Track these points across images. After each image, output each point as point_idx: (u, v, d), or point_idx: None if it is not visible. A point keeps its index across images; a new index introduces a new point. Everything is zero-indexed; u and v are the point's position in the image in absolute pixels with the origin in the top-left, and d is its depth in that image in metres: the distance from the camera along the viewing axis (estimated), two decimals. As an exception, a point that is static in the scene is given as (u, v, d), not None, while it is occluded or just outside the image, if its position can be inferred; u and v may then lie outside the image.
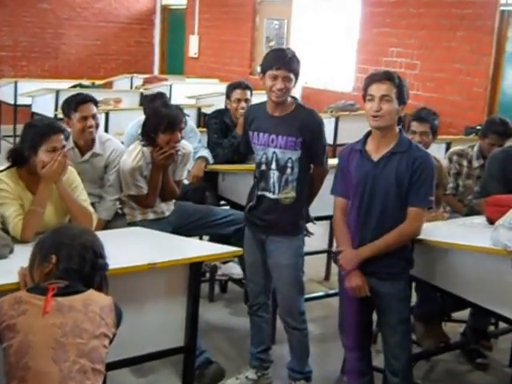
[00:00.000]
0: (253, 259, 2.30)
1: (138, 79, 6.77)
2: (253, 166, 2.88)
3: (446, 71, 5.02)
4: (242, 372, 2.44)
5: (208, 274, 3.12)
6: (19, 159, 2.11)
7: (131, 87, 6.69)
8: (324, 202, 2.27)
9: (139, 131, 2.60)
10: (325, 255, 3.49)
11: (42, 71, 8.00)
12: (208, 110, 4.53)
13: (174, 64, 8.54)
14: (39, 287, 1.48)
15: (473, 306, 2.25)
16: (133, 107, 5.05)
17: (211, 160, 3.10)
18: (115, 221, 2.64)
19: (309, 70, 5.61)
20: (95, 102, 2.66)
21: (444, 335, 2.62)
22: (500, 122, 2.99)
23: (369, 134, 2.04)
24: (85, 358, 1.39)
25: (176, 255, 1.99)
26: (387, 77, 1.93)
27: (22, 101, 5.92)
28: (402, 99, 1.94)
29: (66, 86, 5.69)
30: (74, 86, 5.83)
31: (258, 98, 2.96)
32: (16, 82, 6.21)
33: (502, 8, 4.67)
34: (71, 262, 1.50)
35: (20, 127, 2.24)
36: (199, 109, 5.02)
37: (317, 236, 2.52)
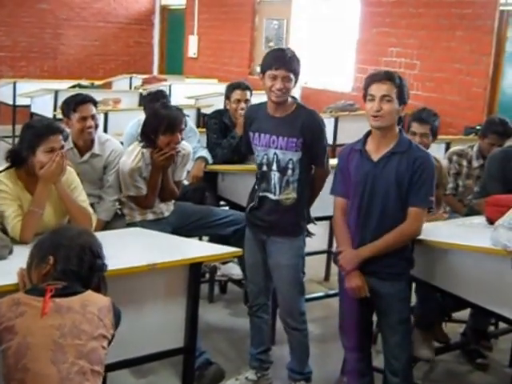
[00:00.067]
0: (253, 260, 2.30)
1: (137, 79, 6.77)
2: (252, 167, 2.89)
3: (445, 71, 5.02)
4: (242, 373, 2.43)
5: (208, 275, 3.11)
6: (18, 160, 2.11)
7: (130, 87, 6.69)
8: (324, 202, 2.27)
9: (139, 130, 2.60)
10: (325, 255, 3.49)
11: (40, 71, 8.00)
12: (207, 111, 4.53)
13: (173, 64, 8.54)
14: (37, 289, 1.48)
15: (473, 307, 2.25)
16: (132, 107, 5.05)
17: (210, 160, 3.10)
18: (114, 221, 2.63)
19: (308, 70, 5.60)
20: (94, 103, 2.65)
21: (444, 335, 2.62)
22: (499, 121, 2.99)
23: (368, 133, 2.03)
24: (83, 359, 1.39)
25: (175, 256, 1.98)
26: (388, 77, 1.93)
27: (20, 101, 5.92)
28: (402, 99, 1.94)
29: (65, 87, 5.69)
30: (73, 87, 5.83)
31: (257, 98, 2.95)
32: (15, 83, 6.21)
33: (501, 8, 4.67)
34: (69, 263, 1.50)
35: (19, 128, 2.24)
36: (198, 109, 5.01)
37: (317, 236, 2.52)
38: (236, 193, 3.01)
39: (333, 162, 2.25)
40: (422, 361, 2.45)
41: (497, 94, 4.78)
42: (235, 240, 2.59)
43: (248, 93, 3.16)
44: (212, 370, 2.33)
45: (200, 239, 3.03)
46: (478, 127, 3.98)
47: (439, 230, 2.25)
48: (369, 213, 1.98)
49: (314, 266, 3.29)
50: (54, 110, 4.98)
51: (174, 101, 3.43)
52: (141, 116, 3.07)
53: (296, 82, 2.13)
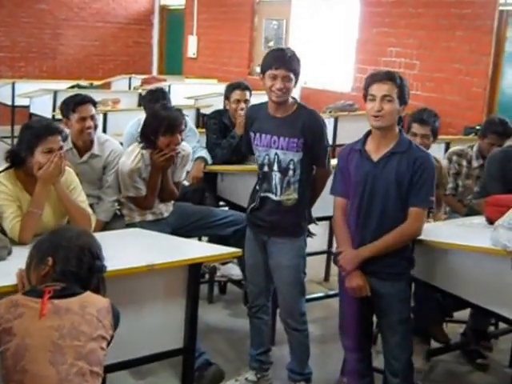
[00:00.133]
0: (254, 261, 2.29)
1: (137, 80, 6.77)
2: (251, 167, 2.89)
3: (445, 71, 5.02)
4: (242, 373, 2.43)
5: (207, 275, 3.11)
6: (17, 160, 2.10)
7: (129, 88, 6.68)
8: (324, 202, 2.26)
9: (139, 130, 2.59)
10: (324, 256, 3.49)
11: (39, 72, 7.99)
12: (207, 111, 4.53)
13: (173, 64, 8.53)
14: (35, 290, 1.47)
15: (473, 307, 2.25)
16: (131, 108, 5.05)
17: (210, 160, 3.09)
18: (114, 222, 2.63)
19: (308, 70, 5.59)
20: (94, 103, 2.65)
21: (444, 336, 2.61)
22: (499, 121, 2.99)
23: (368, 133, 2.03)
24: (82, 360, 1.39)
25: (175, 256, 1.98)
26: (389, 77, 1.93)
27: (19, 102, 5.92)
28: (403, 99, 1.94)
29: (64, 87, 5.69)
30: (72, 87, 5.83)
31: (257, 98, 2.95)
32: (14, 83, 6.20)
33: (500, 8, 4.67)
34: (68, 264, 1.50)
35: (18, 128, 2.23)
36: (198, 109, 5.01)
37: (316, 236, 2.52)
38: (235, 193, 3.01)
39: (333, 162, 2.25)
40: (423, 360, 2.45)
41: (496, 93, 4.78)
42: (235, 240, 2.58)
43: (247, 93, 3.15)
44: (211, 370, 2.33)
45: (199, 240, 3.02)
46: (477, 127, 3.98)
47: (439, 230, 2.25)
48: (369, 213, 1.98)
49: (314, 267, 3.28)
50: (53, 110, 4.98)
51: (174, 101, 3.43)
52: (141, 115, 3.07)
53: (296, 82, 2.13)
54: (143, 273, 1.86)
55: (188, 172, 2.94)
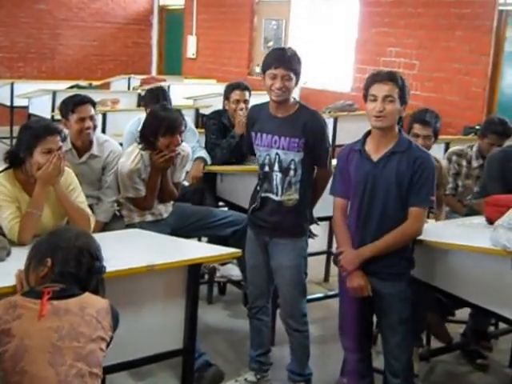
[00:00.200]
0: (255, 261, 2.29)
1: (136, 80, 6.76)
2: (251, 167, 2.89)
3: (444, 71, 5.02)
4: (242, 374, 2.42)
5: (207, 276, 3.10)
6: (16, 161, 2.10)
7: (129, 88, 6.68)
8: (324, 202, 2.26)
9: (139, 128, 2.58)
10: (324, 256, 3.48)
11: (38, 72, 7.98)
12: (206, 111, 4.52)
13: (172, 65, 8.53)
14: (34, 291, 1.47)
15: (473, 307, 2.24)
16: (130, 108, 5.05)
17: (209, 161, 3.09)
18: (113, 223, 2.62)
19: (307, 70, 5.58)
20: (93, 104, 2.64)
21: (447, 335, 2.61)
22: (499, 121, 2.98)
23: (368, 133, 2.03)
24: (82, 361, 1.38)
25: (174, 257, 1.98)
26: (390, 77, 1.93)
27: (18, 102, 5.91)
28: (403, 99, 1.94)
29: (63, 87, 5.69)
30: (71, 87, 5.83)
31: (256, 98, 2.95)
32: (12, 84, 6.20)
33: (500, 8, 4.67)
34: (67, 266, 1.49)
35: (17, 129, 2.23)
36: (197, 109, 5.01)
37: (316, 237, 2.51)
38: (235, 194, 3.01)
39: (333, 162, 2.24)
40: (423, 361, 2.44)
41: (496, 93, 4.78)
42: (234, 241, 2.58)
43: (247, 93, 3.15)
44: (211, 371, 2.32)
45: (199, 240, 3.02)
46: (477, 127, 3.97)
47: (439, 230, 2.25)
48: (369, 213, 1.97)
49: (314, 267, 3.28)
50: (52, 110, 4.97)
51: (173, 101, 3.43)
52: (140, 115, 3.07)
53: (297, 82, 2.12)
54: (143, 273, 1.86)
55: (187, 172, 2.94)
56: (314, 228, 2.36)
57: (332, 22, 6.24)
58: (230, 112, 3.14)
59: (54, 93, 5.16)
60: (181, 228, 2.63)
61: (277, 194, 2.17)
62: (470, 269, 2.05)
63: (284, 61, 2.07)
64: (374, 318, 2.13)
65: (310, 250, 2.33)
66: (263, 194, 2.20)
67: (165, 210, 2.66)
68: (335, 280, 2.38)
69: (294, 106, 2.16)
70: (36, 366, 1.35)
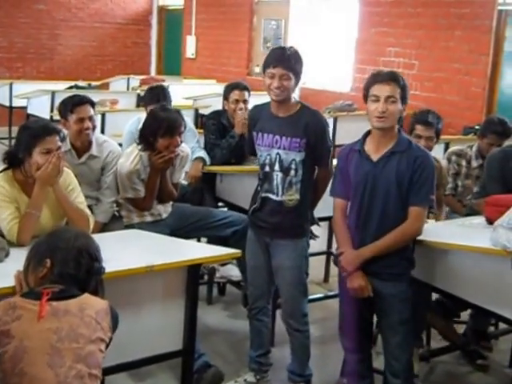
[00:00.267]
0: (255, 262, 2.28)
1: (135, 80, 6.76)
2: (250, 167, 2.88)
3: (444, 71, 5.02)
4: (241, 375, 2.42)
5: (206, 277, 3.10)
6: (14, 161, 2.09)
7: (128, 88, 6.67)
8: (323, 202, 2.26)
9: (139, 127, 2.58)
10: (324, 257, 3.48)
11: (37, 72, 7.97)
12: (205, 111, 4.52)
13: (171, 65, 8.52)
14: (33, 292, 1.46)
15: (473, 307, 2.24)
16: (129, 108, 5.04)
17: (208, 161, 3.08)
18: (112, 223, 2.62)
19: (307, 70, 5.59)
20: (92, 104, 2.63)
21: (458, 336, 2.61)
22: (499, 121, 2.98)
23: (367, 133, 2.02)
24: (81, 363, 1.38)
25: (174, 257, 1.97)
26: (392, 78, 1.93)
27: (17, 103, 5.90)
28: (404, 99, 1.95)
29: (61, 88, 5.68)
30: (70, 88, 5.82)
31: (255, 98, 2.94)
32: (11, 84, 6.19)
33: (499, 7, 4.67)
34: (66, 266, 1.49)
35: (15, 129, 2.22)
36: (196, 110, 5.00)
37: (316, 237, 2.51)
38: (234, 194, 3.00)
39: (333, 162, 2.24)
40: (423, 361, 2.44)
41: (495, 93, 4.78)
42: (234, 241, 2.58)
43: (246, 93, 3.15)
44: (211, 372, 2.31)
45: (198, 241, 3.01)
46: (476, 127, 3.97)
47: (439, 231, 2.24)
48: (369, 213, 1.97)
49: (314, 267, 3.26)
50: (51, 111, 4.96)
51: (172, 101, 3.43)
52: (140, 115, 3.06)
53: (298, 81, 2.12)
54: (142, 274, 1.85)
55: (186, 172, 2.93)
56: (314, 229, 2.36)
57: (331, 21, 6.24)
58: (230, 112, 3.14)
59: (53, 93, 5.15)
60: (180, 228, 2.62)
61: (277, 195, 2.16)
62: (470, 269, 2.04)
63: (282, 60, 2.07)
64: (374, 319, 2.12)
65: (309, 250, 2.32)
66: (263, 195, 2.20)
67: (164, 210, 2.66)
68: (335, 280, 2.38)
69: (296, 105, 2.16)
70: (35, 368, 1.34)
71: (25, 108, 5.60)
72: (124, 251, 1.99)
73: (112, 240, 2.09)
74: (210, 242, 2.84)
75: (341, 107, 5.22)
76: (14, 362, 1.35)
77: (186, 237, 2.48)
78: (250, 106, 3.10)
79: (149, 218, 2.59)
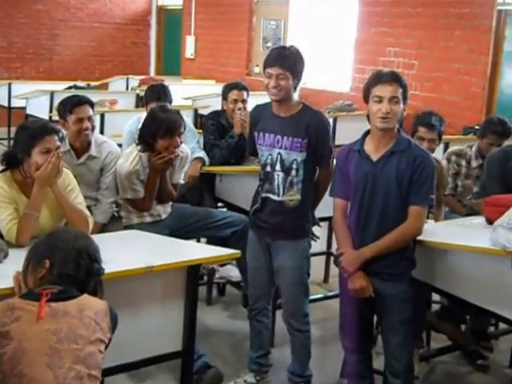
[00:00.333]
0: (256, 263, 2.28)
1: (134, 80, 6.75)
2: (250, 168, 2.88)
3: (443, 71, 5.02)
4: (241, 376, 2.41)
5: (206, 277, 3.09)
6: (13, 162, 2.09)
7: (127, 88, 6.66)
8: (323, 203, 2.26)
9: (139, 126, 2.57)
10: (323, 257, 3.47)
11: (36, 73, 7.96)
12: (205, 111, 4.51)
13: (171, 65, 8.52)
14: (32, 293, 1.46)
15: (472, 307, 2.23)
16: (129, 109, 5.04)
17: (207, 161, 3.08)
18: (111, 224, 2.61)
19: (306, 70, 5.59)
20: (91, 104, 2.63)
21: (466, 339, 2.61)
22: (498, 121, 2.98)
23: (367, 133, 2.02)
24: (80, 364, 1.37)
25: (173, 258, 1.97)
26: (395, 78, 1.93)
27: (16, 103, 5.90)
28: (405, 99, 1.95)
29: (60, 88, 5.67)
30: (69, 88, 5.81)
31: (255, 98, 2.94)
32: (10, 84, 6.18)
33: (499, 7, 4.67)
34: (66, 267, 1.48)
35: (14, 130, 2.22)
36: (196, 110, 5.00)
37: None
38: (234, 194, 3.00)
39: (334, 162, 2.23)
40: (423, 361, 2.44)
41: (495, 93, 4.78)
42: (233, 242, 2.58)
43: (245, 93, 3.14)
44: (210, 373, 2.31)
45: (198, 241, 3.01)
46: (476, 127, 3.97)
47: (439, 231, 2.24)
48: (369, 213, 1.97)
49: (314, 268, 3.22)
50: (50, 111, 4.95)
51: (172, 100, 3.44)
52: (140, 114, 3.05)
53: (298, 81, 2.11)
54: (141, 275, 1.85)
55: (186, 172, 2.93)
56: (315, 229, 2.35)
57: (331, 21, 6.23)
58: (228, 112, 3.13)
59: (52, 93, 5.14)
60: (179, 229, 2.62)
61: (278, 195, 2.16)
62: (470, 269, 2.04)
63: (279, 59, 2.07)
64: (374, 319, 2.12)
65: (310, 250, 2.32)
66: (264, 195, 2.19)
67: (163, 211, 2.65)
68: (335, 281, 2.37)
69: (298, 106, 2.16)
70: (34, 369, 1.34)
71: (24, 108, 5.60)
72: (123, 252, 1.99)
73: (111, 241, 2.08)
74: (209, 242, 2.84)
75: (340, 107, 5.22)
76: (12, 363, 1.34)
77: (186, 237, 2.47)
78: (248, 106, 3.11)
79: (148, 219, 2.59)
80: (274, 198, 2.16)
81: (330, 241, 3.37)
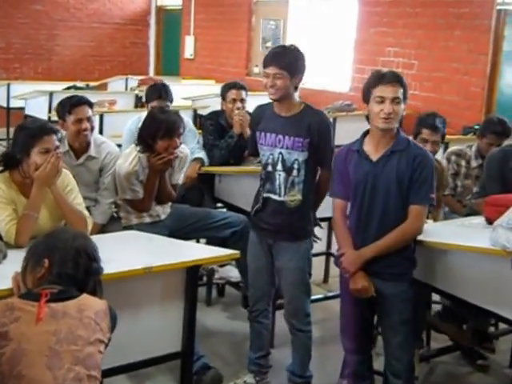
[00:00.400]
0: (258, 264, 2.27)
1: (133, 81, 6.74)
2: (249, 168, 2.87)
3: (443, 71, 5.01)
4: (241, 377, 2.41)
5: (205, 278, 3.09)
6: (12, 162, 2.08)
7: (126, 89, 6.66)
8: (323, 203, 2.25)
9: (139, 125, 2.56)
10: (323, 257, 3.47)
11: (35, 73, 7.95)
12: (204, 112, 4.51)
13: (170, 65, 8.51)
14: (32, 293, 1.46)
15: (472, 307, 2.23)
16: (128, 109, 5.03)
17: (207, 162, 3.07)
18: (111, 225, 2.61)
19: (306, 70, 5.58)
20: (90, 105, 2.63)
21: (466, 337, 2.60)
22: (498, 121, 2.98)
23: (366, 133, 2.02)
24: (80, 365, 1.37)
25: (173, 259, 1.96)
26: (396, 79, 1.92)
27: (15, 103, 5.89)
28: (405, 99, 1.95)
29: (59, 88, 5.66)
30: (68, 88, 5.81)
31: (254, 99, 2.93)
32: (9, 85, 6.17)
33: (498, 7, 4.67)
34: (65, 267, 1.48)
35: (13, 130, 2.21)
36: (195, 110, 5.00)
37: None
38: (233, 194, 3.00)
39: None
40: (423, 361, 2.44)
41: (495, 93, 4.78)
42: (233, 242, 2.57)
43: (243, 92, 3.14)
44: (210, 374, 2.31)
45: (197, 242, 3.00)
46: (476, 127, 3.97)
47: (439, 231, 2.24)
48: (370, 213, 1.96)
49: (314, 268, 3.22)
50: (49, 111, 4.94)
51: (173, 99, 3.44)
52: (140, 114, 3.05)
53: (297, 80, 2.10)
54: (140, 275, 1.84)
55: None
56: (316, 230, 2.34)
57: (330, 21, 6.23)
58: (227, 112, 3.13)
59: (51, 94, 5.13)
60: (179, 229, 2.61)
61: (279, 195, 2.15)
62: (470, 269, 2.04)
63: (275, 59, 2.07)
64: (374, 319, 2.11)
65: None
66: (265, 195, 2.19)
67: (163, 211, 2.65)
68: (335, 281, 2.37)
69: (299, 105, 2.16)
70: (33, 370, 1.33)
71: (23, 109, 5.59)
72: (122, 252, 1.98)
73: (110, 241, 2.08)
74: (208, 242, 2.83)
75: (340, 107, 5.22)
76: (11, 364, 1.34)
77: (185, 238, 2.47)
78: (247, 106, 3.11)
79: (147, 219, 2.58)
80: (276, 198, 2.16)
81: (329, 241, 3.36)
